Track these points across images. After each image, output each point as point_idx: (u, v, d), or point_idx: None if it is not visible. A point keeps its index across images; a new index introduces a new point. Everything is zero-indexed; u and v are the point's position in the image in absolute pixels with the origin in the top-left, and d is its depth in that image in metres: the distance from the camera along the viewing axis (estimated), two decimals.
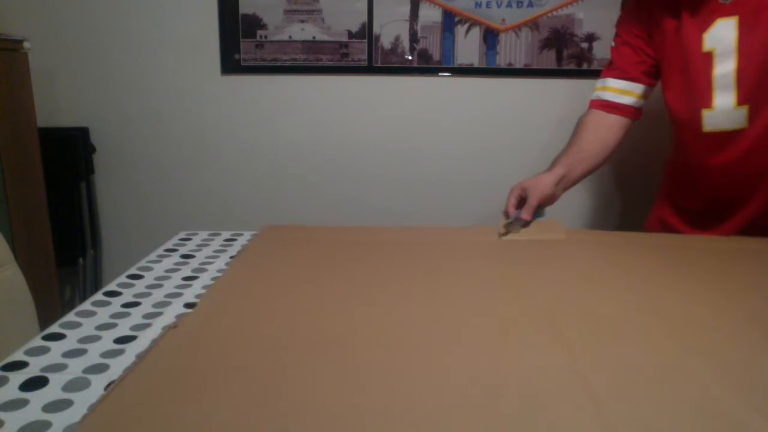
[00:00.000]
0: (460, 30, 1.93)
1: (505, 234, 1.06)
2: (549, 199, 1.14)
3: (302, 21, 1.94)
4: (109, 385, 0.57)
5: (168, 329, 0.68)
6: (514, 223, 1.08)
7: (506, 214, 1.12)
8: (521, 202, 1.13)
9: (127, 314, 0.76)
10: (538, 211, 1.12)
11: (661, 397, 0.54)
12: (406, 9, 1.91)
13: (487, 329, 0.69)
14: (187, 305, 0.78)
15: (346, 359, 0.61)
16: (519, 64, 1.94)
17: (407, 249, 1.00)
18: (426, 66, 1.96)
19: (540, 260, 0.95)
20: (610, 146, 1.25)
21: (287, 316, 0.72)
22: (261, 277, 0.86)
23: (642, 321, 0.71)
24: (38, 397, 0.56)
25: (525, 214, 1.09)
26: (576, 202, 2.07)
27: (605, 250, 1.00)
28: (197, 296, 0.82)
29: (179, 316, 0.75)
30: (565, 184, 1.18)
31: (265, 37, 1.95)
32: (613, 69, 1.24)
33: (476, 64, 1.95)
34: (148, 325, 0.72)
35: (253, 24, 1.94)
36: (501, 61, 1.94)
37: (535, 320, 0.71)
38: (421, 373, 0.58)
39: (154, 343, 0.65)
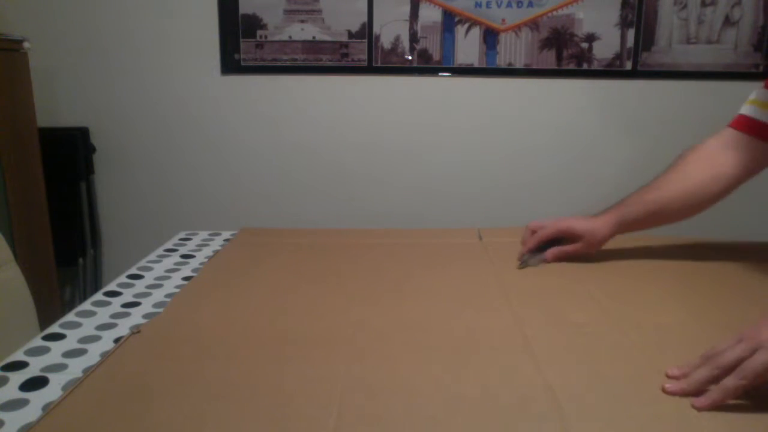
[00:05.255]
0: (460, 30, 1.93)
1: (523, 265, 0.93)
2: (585, 246, 0.92)
3: (302, 21, 1.94)
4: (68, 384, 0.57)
5: (132, 332, 0.68)
6: (532, 258, 0.95)
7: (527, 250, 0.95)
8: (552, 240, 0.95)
9: (127, 314, 0.76)
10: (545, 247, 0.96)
11: (626, 413, 0.53)
12: (406, 9, 1.91)
13: (454, 337, 0.68)
14: None
15: (306, 369, 0.60)
16: (519, 64, 1.94)
17: (382, 252, 0.99)
18: (426, 66, 1.95)
19: (517, 264, 0.93)
20: (716, 190, 0.90)
21: (251, 323, 0.71)
22: (230, 282, 0.86)
23: (614, 331, 0.69)
24: (38, 397, 0.56)
25: (548, 255, 0.93)
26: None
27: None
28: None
29: (147, 316, 0.75)
30: (620, 231, 0.94)
31: (265, 37, 1.95)
32: None
33: (476, 64, 1.95)
34: None
35: (253, 24, 1.94)
36: (501, 61, 1.94)
37: (504, 328, 0.70)
38: (380, 385, 0.57)
39: (117, 344, 0.65)
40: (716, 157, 0.92)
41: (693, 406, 0.53)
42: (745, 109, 0.93)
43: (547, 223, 0.95)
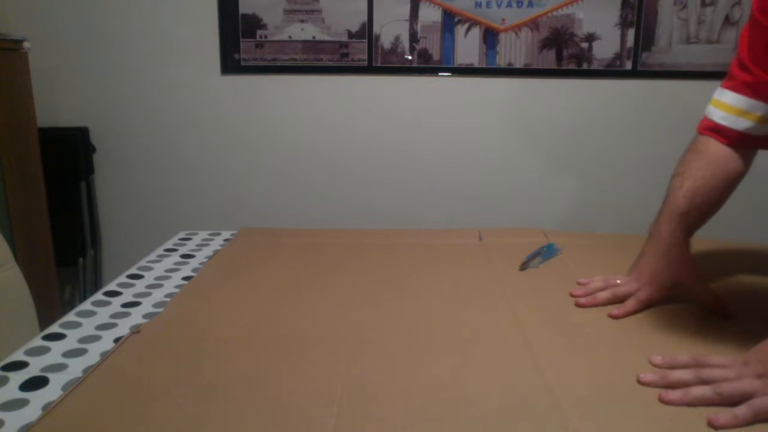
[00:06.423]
0: (460, 30, 1.93)
1: (524, 267, 0.94)
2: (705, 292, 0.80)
3: (302, 21, 1.94)
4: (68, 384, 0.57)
5: (132, 332, 0.68)
6: (534, 260, 0.97)
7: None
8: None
9: (127, 314, 0.76)
10: (552, 249, 0.99)
11: (626, 413, 0.53)
12: (406, 9, 1.91)
13: (454, 338, 0.67)
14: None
15: (306, 369, 0.60)
16: (519, 64, 1.94)
17: (382, 252, 0.99)
18: (426, 66, 1.95)
19: (517, 264, 0.93)
20: (725, 185, 0.84)
21: (251, 323, 0.71)
22: (230, 282, 0.86)
23: (614, 331, 0.69)
24: (38, 397, 0.56)
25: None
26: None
27: (589, 254, 0.98)
28: None
29: (147, 316, 0.75)
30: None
31: (265, 37, 1.95)
32: (735, 79, 0.89)
33: (476, 64, 1.95)
34: None
35: (253, 24, 1.94)
36: (501, 61, 1.94)
37: (504, 328, 0.70)
38: (380, 385, 0.57)
39: (117, 344, 0.65)
40: (711, 155, 0.88)
41: (660, 399, 0.54)
42: (723, 119, 0.90)
43: (642, 285, 0.79)
